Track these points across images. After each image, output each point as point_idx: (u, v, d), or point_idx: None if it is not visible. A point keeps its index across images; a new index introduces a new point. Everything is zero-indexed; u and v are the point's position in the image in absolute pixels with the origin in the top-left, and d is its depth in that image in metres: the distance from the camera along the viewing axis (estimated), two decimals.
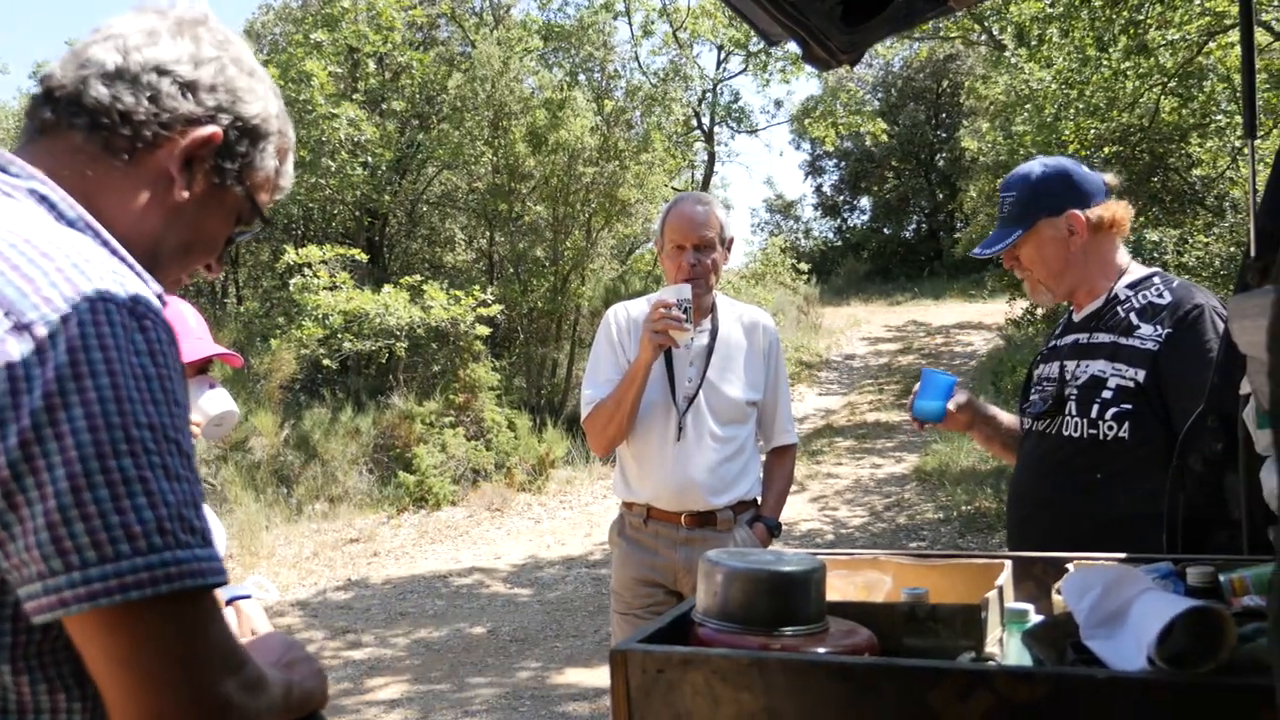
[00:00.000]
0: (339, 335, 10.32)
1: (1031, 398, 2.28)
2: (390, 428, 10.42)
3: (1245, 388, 1.51)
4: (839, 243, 26.99)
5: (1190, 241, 9.84)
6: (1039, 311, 11.89)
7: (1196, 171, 10.84)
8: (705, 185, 17.13)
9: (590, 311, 12.98)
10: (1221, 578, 1.29)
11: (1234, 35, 8.42)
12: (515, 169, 12.55)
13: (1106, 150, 10.21)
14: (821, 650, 1.22)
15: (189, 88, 1.03)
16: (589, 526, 8.72)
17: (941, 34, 14.72)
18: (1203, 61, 9.28)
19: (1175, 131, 10.29)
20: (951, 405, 2.35)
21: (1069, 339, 2.25)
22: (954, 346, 15.52)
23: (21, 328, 0.83)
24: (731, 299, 2.96)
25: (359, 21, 12.67)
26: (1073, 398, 2.13)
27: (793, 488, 3.29)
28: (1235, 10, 7.76)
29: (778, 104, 35.33)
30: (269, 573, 7.42)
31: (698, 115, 17.56)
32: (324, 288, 10.41)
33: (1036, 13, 9.97)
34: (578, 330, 13.18)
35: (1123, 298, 2.17)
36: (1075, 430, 2.11)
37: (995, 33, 12.37)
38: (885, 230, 26.11)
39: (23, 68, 37.81)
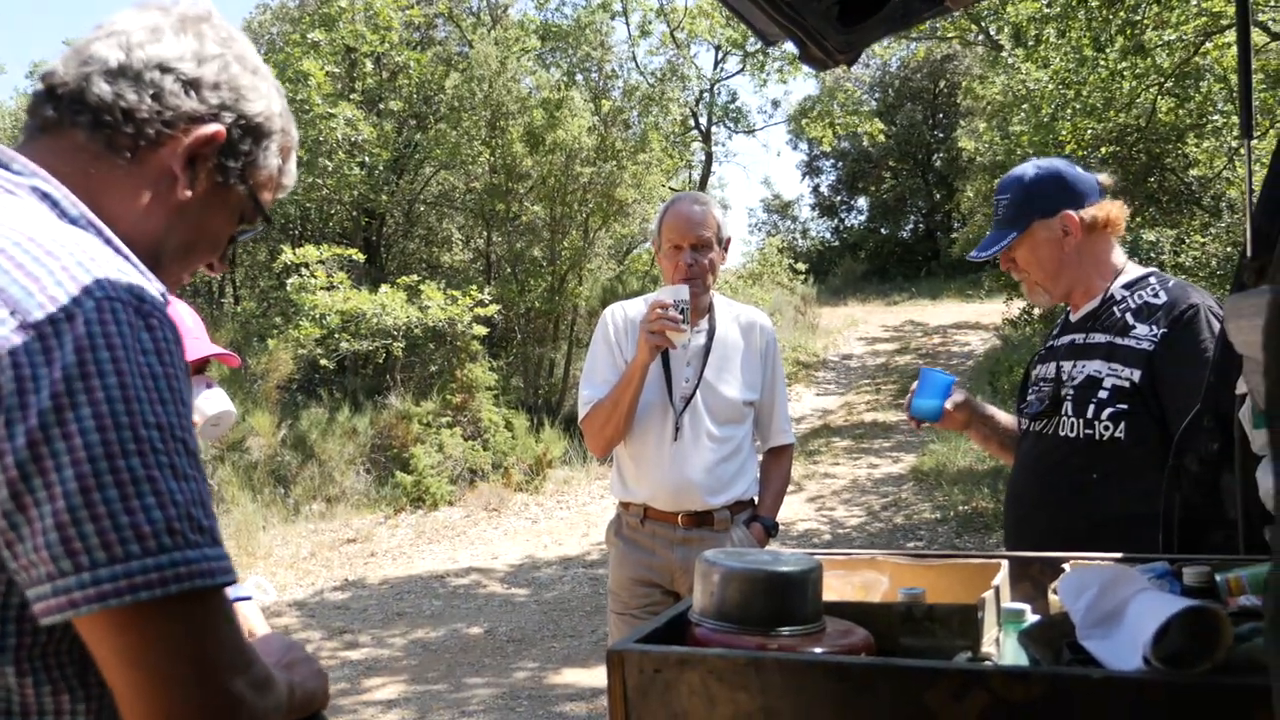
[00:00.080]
0: (336, 335, 10.31)
1: (1028, 398, 2.28)
2: (387, 428, 10.41)
3: (1241, 387, 1.52)
4: (836, 243, 26.99)
5: (1187, 242, 9.85)
6: (1036, 311, 11.89)
7: (1193, 172, 10.85)
8: (703, 185, 17.14)
9: (587, 311, 12.97)
10: (1218, 577, 1.29)
11: (1230, 35, 8.44)
12: (512, 169, 12.54)
13: (1103, 150, 10.22)
14: (818, 650, 1.22)
15: (192, 85, 1.02)
16: (586, 526, 8.71)
17: (938, 34, 14.75)
18: (1199, 62, 9.30)
19: (1172, 132, 10.29)
20: (949, 404, 2.34)
21: (1066, 339, 2.25)
22: (951, 346, 15.53)
23: (27, 327, 0.83)
24: (729, 299, 2.96)
25: (356, 21, 12.65)
26: (1069, 398, 2.14)
27: (790, 488, 3.29)
28: (1232, 10, 7.76)
29: (775, 104, 35.35)
30: (266, 573, 7.41)
31: (695, 115, 17.58)
32: (321, 288, 10.40)
33: (1033, 13, 9.98)
34: (575, 330, 13.17)
35: (1119, 298, 2.17)
36: (1071, 430, 2.11)
37: (992, 33, 12.40)
38: (882, 230, 26.11)
39: (20, 67, 37.75)
